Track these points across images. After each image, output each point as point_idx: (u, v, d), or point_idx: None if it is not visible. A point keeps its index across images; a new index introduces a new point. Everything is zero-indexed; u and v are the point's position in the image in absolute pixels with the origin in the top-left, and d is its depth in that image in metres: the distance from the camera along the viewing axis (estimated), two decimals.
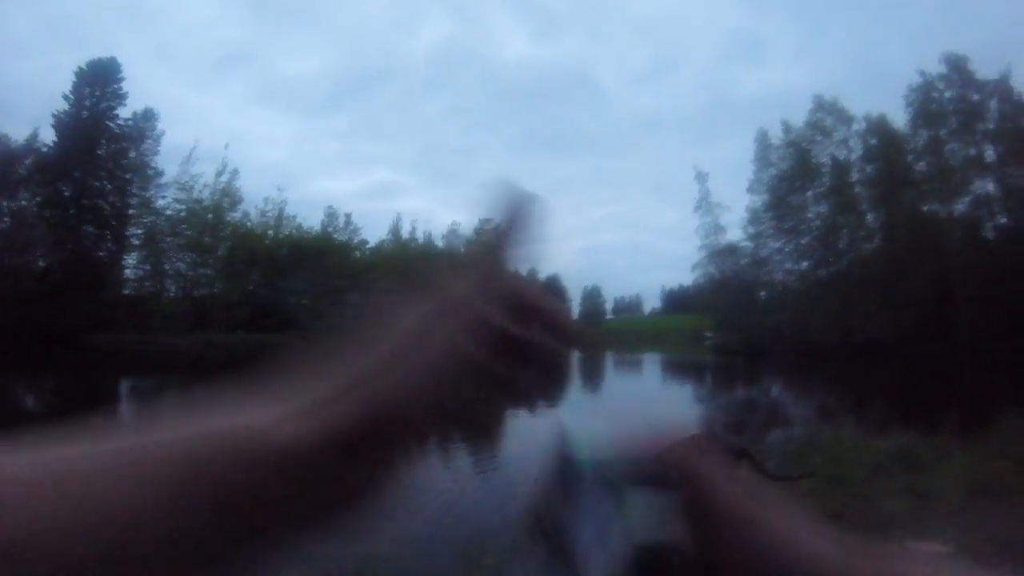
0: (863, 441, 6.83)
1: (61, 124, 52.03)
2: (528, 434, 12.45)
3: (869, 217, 43.23)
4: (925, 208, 40.19)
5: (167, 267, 56.48)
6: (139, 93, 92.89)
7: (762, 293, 49.15)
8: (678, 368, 37.86)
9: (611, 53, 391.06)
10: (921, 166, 40.35)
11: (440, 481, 8.01)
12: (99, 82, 54.01)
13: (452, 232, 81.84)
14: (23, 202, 51.86)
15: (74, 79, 53.77)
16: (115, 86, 54.77)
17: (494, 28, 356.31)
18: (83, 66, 54.18)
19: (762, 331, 43.22)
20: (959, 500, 4.82)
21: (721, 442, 2.05)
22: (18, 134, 52.87)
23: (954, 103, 39.09)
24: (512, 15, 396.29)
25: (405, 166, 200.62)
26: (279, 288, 55.58)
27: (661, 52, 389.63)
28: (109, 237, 53.95)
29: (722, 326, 52.06)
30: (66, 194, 51.90)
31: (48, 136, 52.59)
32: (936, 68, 39.77)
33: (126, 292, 54.69)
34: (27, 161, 51.83)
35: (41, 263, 51.04)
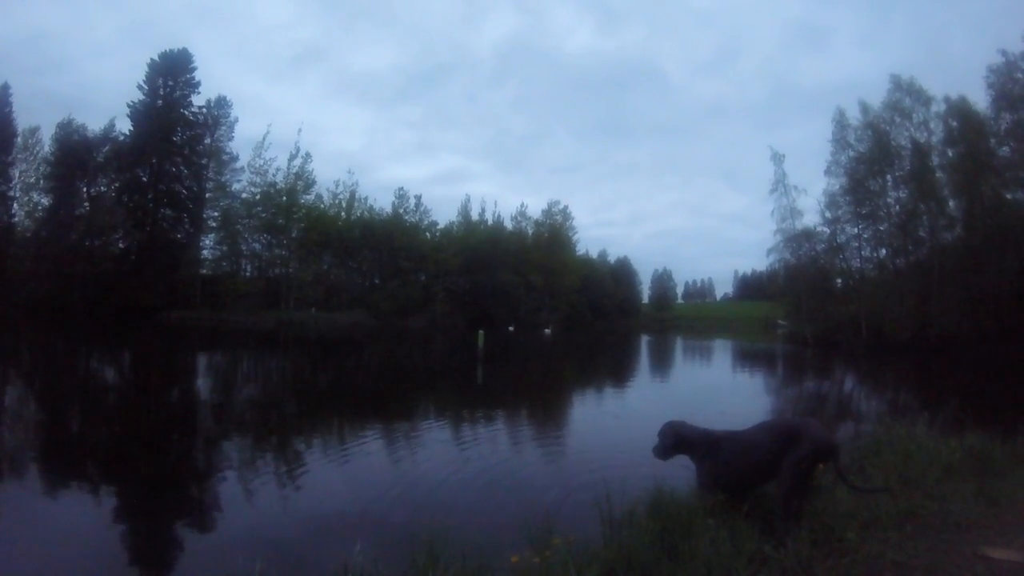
0: (936, 441, 6.66)
1: (136, 113, 54.06)
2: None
3: (951, 204, 40.93)
4: (1008, 196, 38.08)
5: (243, 248, 58.37)
6: (217, 90, 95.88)
7: (837, 281, 47.75)
8: (747, 357, 37.08)
9: (673, 43, 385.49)
10: (1004, 151, 38.16)
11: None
12: (172, 72, 55.66)
13: (520, 214, 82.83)
14: (102, 188, 54.34)
15: (147, 70, 55.32)
16: (188, 75, 56.34)
17: (558, 21, 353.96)
18: (155, 57, 55.90)
19: (835, 321, 42.08)
20: None
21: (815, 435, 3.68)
22: (97, 127, 55.15)
23: None
24: (575, 8, 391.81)
25: (474, 153, 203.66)
26: (350, 268, 56.70)
27: (723, 41, 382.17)
28: (186, 219, 56.09)
29: (795, 314, 50.83)
30: (143, 179, 54.09)
31: (124, 127, 54.75)
32: (1018, 47, 37.28)
33: (203, 272, 56.54)
34: (104, 149, 54.12)
35: (121, 245, 53.44)
